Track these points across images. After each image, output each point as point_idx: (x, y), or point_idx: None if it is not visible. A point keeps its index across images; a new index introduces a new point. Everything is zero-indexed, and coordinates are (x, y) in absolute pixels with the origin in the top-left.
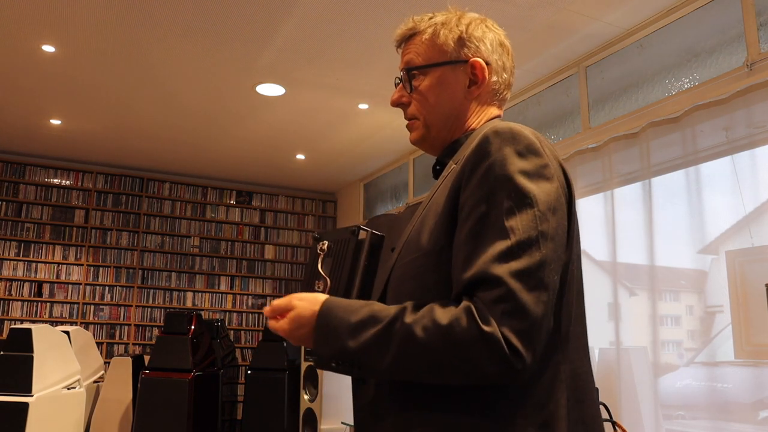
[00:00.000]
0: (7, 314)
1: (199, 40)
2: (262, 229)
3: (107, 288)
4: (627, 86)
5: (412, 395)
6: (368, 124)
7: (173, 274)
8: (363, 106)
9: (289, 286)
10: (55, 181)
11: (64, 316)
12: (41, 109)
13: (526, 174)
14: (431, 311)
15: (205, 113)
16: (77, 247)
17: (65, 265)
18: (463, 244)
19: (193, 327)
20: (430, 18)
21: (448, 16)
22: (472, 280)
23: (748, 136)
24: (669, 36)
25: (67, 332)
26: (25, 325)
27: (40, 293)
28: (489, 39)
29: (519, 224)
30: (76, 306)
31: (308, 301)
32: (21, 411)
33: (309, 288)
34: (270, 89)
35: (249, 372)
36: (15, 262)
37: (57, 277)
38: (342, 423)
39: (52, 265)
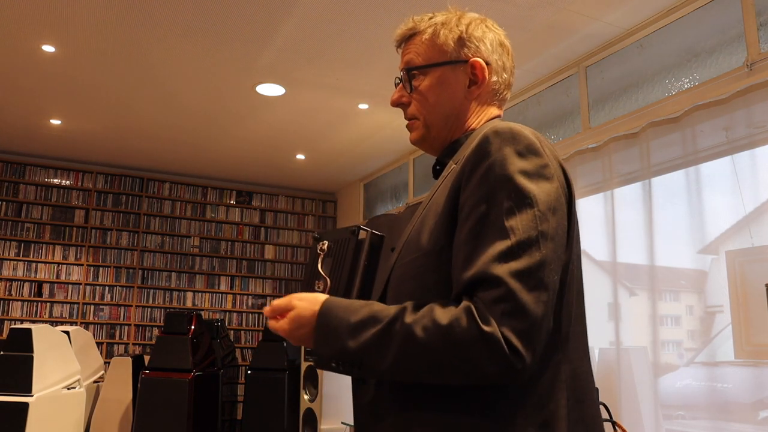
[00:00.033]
0: (7, 314)
1: (199, 40)
2: (262, 229)
3: (107, 288)
4: (627, 86)
5: (412, 395)
6: (368, 124)
7: (173, 274)
8: (363, 106)
9: (289, 286)
10: (55, 181)
11: (64, 316)
12: (41, 109)
13: (526, 174)
14: (431, 311)
15: (205, 113)
16: (77, 247)
17: (65, 265)
18: (463, 244)
19: (193, 327)
20: (430, 18)
21: (448, 16)
22: (472, 280)
23: (748, 136)
24: (669, 36)
25: (67, 332)
26: (25, 325)
27: (40, 293)
28: (489, 39)
29: (519, 224)
30: (76, 306)
31: (308, 301)
32: (21, 411)
33: (309, 288)
34: (270, 89)
35: (249, 372)
36: (15, 262)
37: (57, 277)
38: (342, 423)
39: (52, 265)
